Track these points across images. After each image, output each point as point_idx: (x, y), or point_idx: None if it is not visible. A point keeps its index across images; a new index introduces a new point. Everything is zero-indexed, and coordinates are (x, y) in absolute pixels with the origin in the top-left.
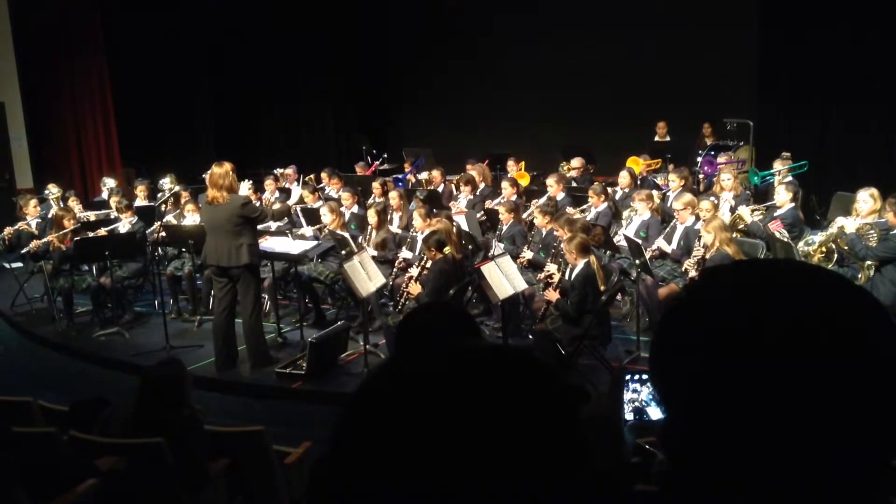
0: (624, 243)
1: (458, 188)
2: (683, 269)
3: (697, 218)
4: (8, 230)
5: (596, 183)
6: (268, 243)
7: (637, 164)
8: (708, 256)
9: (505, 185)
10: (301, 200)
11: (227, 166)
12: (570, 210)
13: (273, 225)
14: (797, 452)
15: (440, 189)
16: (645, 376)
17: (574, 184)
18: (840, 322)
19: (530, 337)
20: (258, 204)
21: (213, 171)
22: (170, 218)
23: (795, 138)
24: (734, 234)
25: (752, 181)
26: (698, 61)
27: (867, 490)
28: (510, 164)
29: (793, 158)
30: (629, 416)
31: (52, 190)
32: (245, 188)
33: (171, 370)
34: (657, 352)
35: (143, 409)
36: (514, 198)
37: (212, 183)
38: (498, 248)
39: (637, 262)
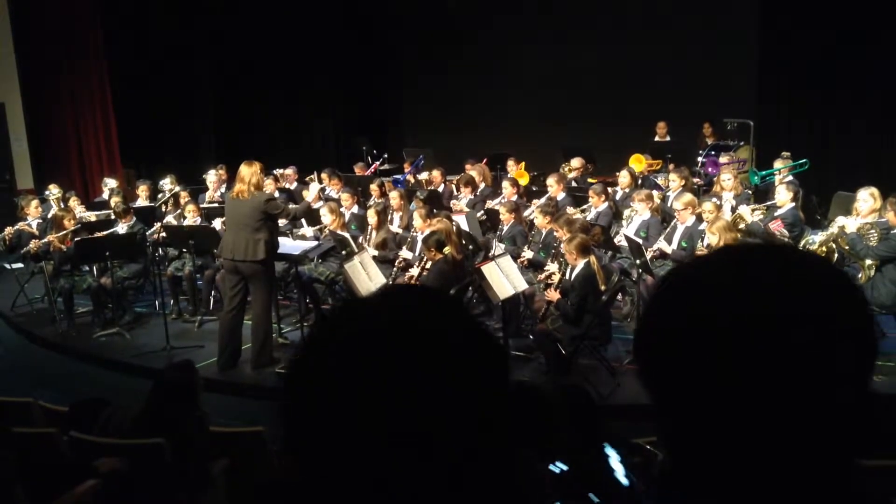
0: (624, 243)
1: (458, 188)
2: None
3: (698, 218)
4: (8, 230)
5: (596, 183)
6: None
7: (640, 161)
8: None
9: (505, 185)
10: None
11: (257, 165)
12: (570, 210)
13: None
14: (779, 442)
15: (440, 189)
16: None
17: (574, 184)
18: (813, 306)
19: (531, 337)
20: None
21: (242, 169)
22: (170, 219)
23: (795, 138)
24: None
25: (752, 181)
26: (698, 61)
27: (852, 480)
28: (510, 163)
29: (793, 158)
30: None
31: (53, 191)
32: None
33: (186, 373)
34: (638, 345)
35: (154, 410)
36: (514, 198)
37: (239, 178)
38: (498, 248)
39: (637, 262)
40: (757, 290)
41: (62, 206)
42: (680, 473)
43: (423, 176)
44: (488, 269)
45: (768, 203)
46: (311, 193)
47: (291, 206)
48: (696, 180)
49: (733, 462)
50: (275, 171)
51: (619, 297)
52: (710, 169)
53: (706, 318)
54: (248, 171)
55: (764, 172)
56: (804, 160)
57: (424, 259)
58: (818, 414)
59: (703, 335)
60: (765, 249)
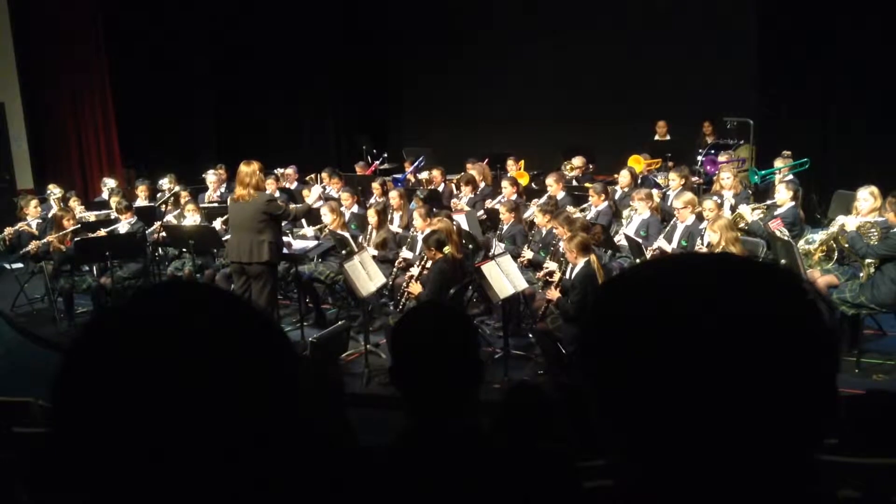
0: (624, 242)
1: (458, 188)
2: None
3: (698, 217)
4: (8, 231)
5: (596, 182)
6: None
7: (638, 163)
8: None
9: (505, 184)
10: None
11: (255, 165)
12: (570, 209)
13: None
14: (722, 441)
15: (440, 188)
16: None
17: (576, 182)
18: (753, 305)
19: (531, 336)
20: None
21: (241, 170)
22: (170, 218)
23: (795, 137)
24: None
25: (752, 180)
26: (698, 60)
27: (807, 473)
28: (509, 163)
29: (793, 157)
30: None
31: (54, 190)
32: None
33: None
34: (580, 350)
35: None
36: (514, 197)
37: (239, 181)
38: (498, 247)
39: (637, 261)
40: (701, 293)
41: (62, 206)
42: (627, 478)
43: (424, 175)
44: (488, 269)
45: (768, 202)
46: (312, 196)
47: (292, 206)
48: (695, 179)
49: (679, 467)
50: (275, 171)
51: None
52: (708, 168)
53: (645, 319)
54: (248, 172)
55: (764, 172)
56: (804, 159)
57: (424, 258)
58: (769, 413)
59: (644, 336)
60: (709, 256)
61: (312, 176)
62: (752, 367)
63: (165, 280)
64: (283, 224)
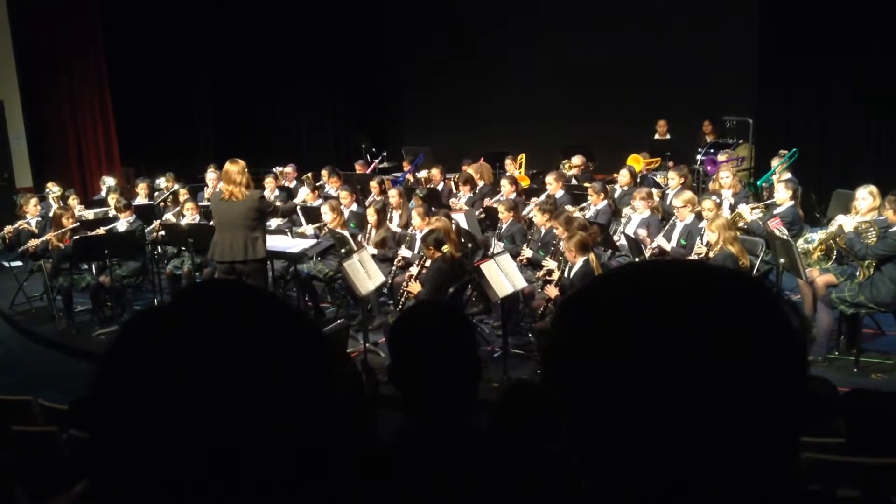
0: (624, 241)
1: (457, 186)
2: None
3: (697, 216)
4: (8, 229)
5: (595, 181)
6: (267, 242)
7: (638, 162)
8: (711, 255)
9: (504, 183)
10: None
11: (242, 164)
12: (569, 208)
13: (273, 223)
14: (698, 452)
15: (439, 187)
16: None
17: (575, 181)
18: (728, 317)
19: (530, 335)
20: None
21: (229, 169)
22: (169, 216)
23: (795, 136)
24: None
25: (751, 189)
26: (698, 60)
27: (783, 478)
28: (508, 162)
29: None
30: None
31: (53, 189)
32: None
33: None
34: (550, 355)
35: None
36: (513, 196)
37: (228, 180)
38: (497, 246)
39: (637, 260)
40: (663, 300)
41: (61, 205)
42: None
43: (423, 174)
44: (487, 268)
45: (767, 202)
46: (300, 195)
47: (278, 203)
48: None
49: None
50: (274, 170)
51: None
52: (708, 167)
53: (608, 328)
54: (237, 171)
55: (762, 179)
56: (794, 150)
57: (423, 257)
58: (743, 418)
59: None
60: (680, 263)
61: (309, 175)
62: (719, 375)
63: (207, 279)
64: (280, 222)
